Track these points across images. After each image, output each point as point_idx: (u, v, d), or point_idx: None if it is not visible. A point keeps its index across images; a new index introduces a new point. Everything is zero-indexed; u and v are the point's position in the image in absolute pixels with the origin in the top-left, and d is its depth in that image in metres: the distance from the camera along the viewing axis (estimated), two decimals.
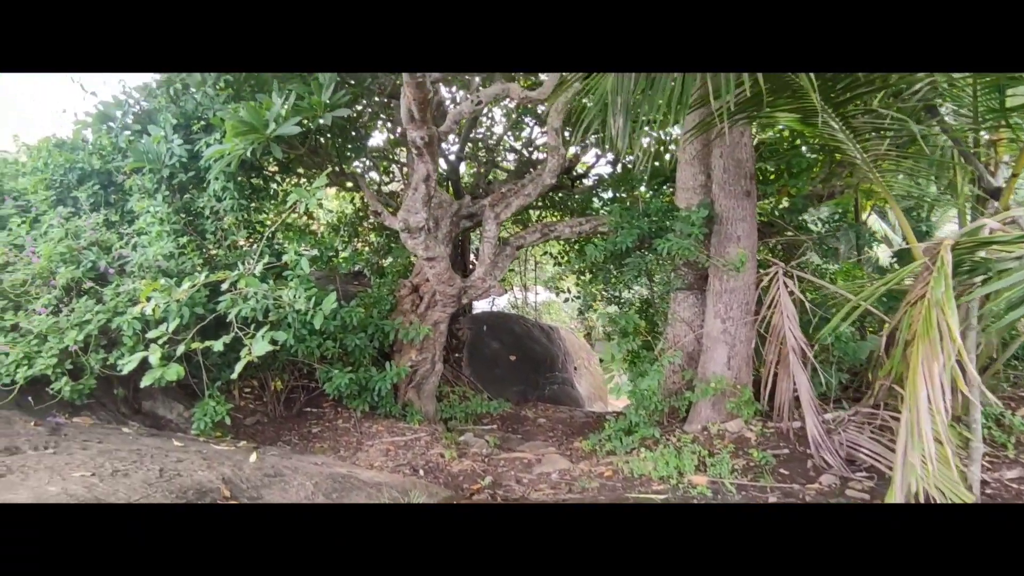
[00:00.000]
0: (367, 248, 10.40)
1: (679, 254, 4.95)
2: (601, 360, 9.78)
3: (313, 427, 6.07)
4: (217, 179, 5.47)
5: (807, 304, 4.51)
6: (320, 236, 7.70)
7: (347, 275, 10.72)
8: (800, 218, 5.78)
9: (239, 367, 3.96)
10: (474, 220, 7.32)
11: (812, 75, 3.25)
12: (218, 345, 4.05)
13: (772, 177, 5.98)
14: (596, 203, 9.67)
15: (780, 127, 6.11)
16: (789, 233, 5.58)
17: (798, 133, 6.06)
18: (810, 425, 4.10)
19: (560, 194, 10.13)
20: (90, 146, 5.87)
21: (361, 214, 11.26)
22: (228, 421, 4.87)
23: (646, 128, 3.39)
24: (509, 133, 10.48)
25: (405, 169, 9.20)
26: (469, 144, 10.00)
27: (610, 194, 9.35)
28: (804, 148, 6.07)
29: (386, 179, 10.20)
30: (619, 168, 9.14)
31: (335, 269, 7.25)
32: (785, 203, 5.86)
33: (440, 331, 6.84)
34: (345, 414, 6.35)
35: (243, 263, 4.92)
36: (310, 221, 8.44)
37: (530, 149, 10.16)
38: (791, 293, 4.37)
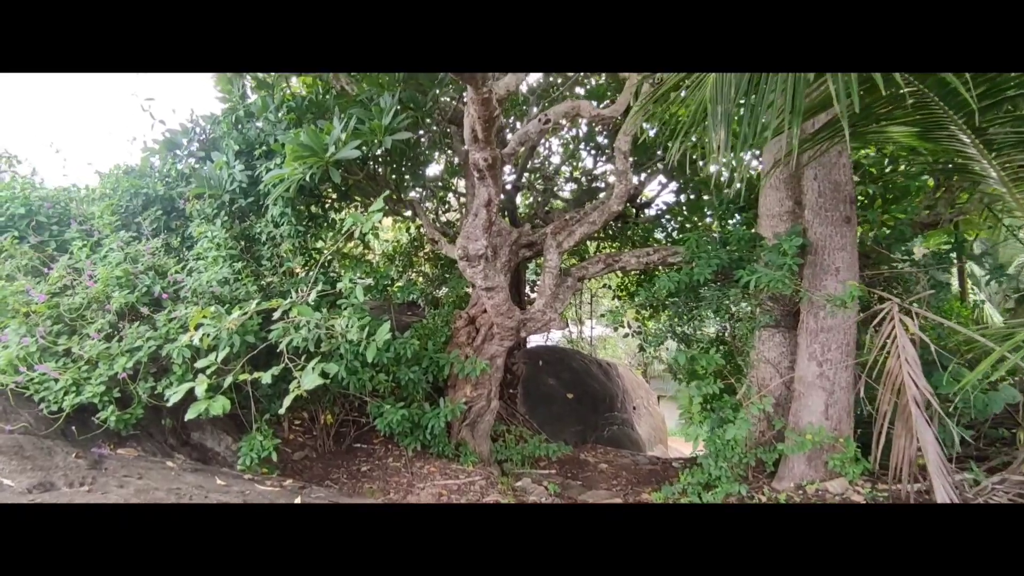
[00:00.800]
0: (422, 279, 10.23)
1: (769, 287, 4.40)
2: (660, 398, 9.14)
3: (363, 465, 5.74)
4: (275, 204, 5.35)
5: (929, 348, 3.86)
6: (375, 265, 7.54)
7: (401, 306, 10.58)
8: (903, 248, 5.12)
9: (288, 400, 3.68)
10: (533, 249, 6.97)
11: (948, 76, 2.74)
12: (267, 377, 3.78)
13: (870, 202, 5.36)
14: (659, 235, 9.20)
15: (872, 144, 5.52)
16: (894, 265, 4.93)
17: (896, 153, 5.45)
18: (940, 490, 3.42)
19: (619, 224, 9.72)
20: (156, 173, 5.90)
21: (416, 243, 11.17)
22: (275, 457, 4.59)
23: (742, 142, 2.94)
24: (568, 163, 10.22)
25: (463, 199, 9.03)
26: (526, 174, 9.76)
27: (675, 224, 8.85)
28: (903, 169, 5.44)
29: (443, 208, 10.05)
30: (683, 197, 8.65)
31: (390, 299, 7.03)
32: (885, 231, 5.21)
33: (497, 366, 6.44)
34: (396, 452, 6.00)
35: (296, 291, 4.71)
36: (366, 250, 8.32)
37: (589, 178, 9.83)
38: (910, 334, 3.74)
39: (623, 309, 5.37)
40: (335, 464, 5.72)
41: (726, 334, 6.21)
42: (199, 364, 3.85)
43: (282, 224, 5.39)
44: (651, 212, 9.04)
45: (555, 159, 10.22)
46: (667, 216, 8.67)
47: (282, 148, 5.22)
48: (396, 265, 10.86)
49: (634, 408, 11.67)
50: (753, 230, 5.30)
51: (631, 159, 6.09)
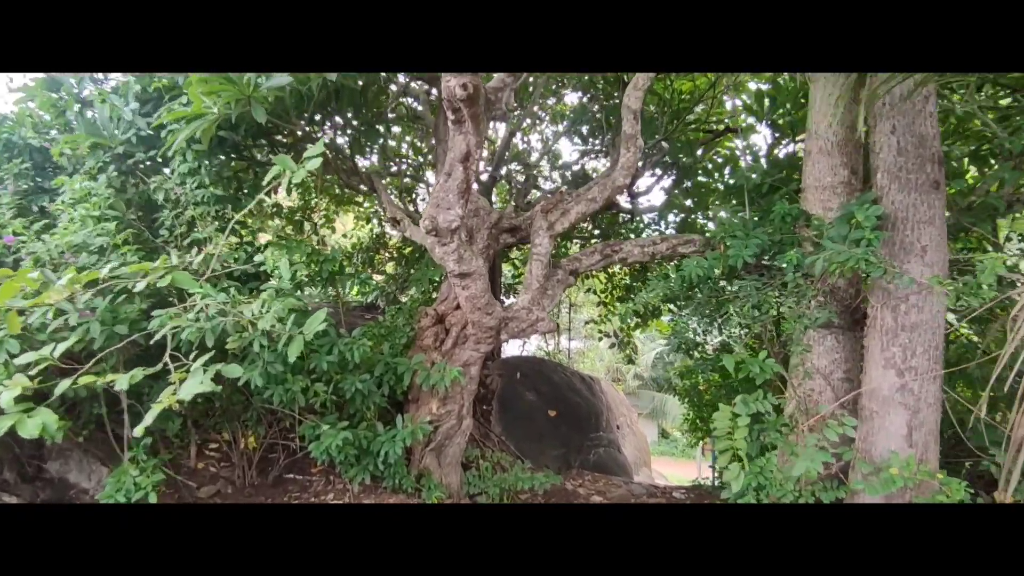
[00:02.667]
0: (384, 280, 8.92)
1: (846, 269, 3.29)
2: (685, 419, 7.97)
3: (294, 502, 4.39)
4: (182, 157, 4.04)
5: None
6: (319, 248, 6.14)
7: (360, 308, 9.22)
8: (988, 227, 4.10)
9: (150, 417, 2.36)
10: (517, 235, 5.78)
11: None
12: (123, 381, 2.46)
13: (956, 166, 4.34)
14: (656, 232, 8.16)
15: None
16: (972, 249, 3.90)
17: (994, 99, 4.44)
18: None
19: (608, 216, 8.63)
20: (29, 118, 4.52)
21: (380, 241, 9.88)
22: (154, 498, 3.22)
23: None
24: (548, 158, 9.14)
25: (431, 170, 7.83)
26: (503, 165, 8.62)
27: (675, 217, 7.80)
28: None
29: (408, 196, 8.80)
30: (688, 184, 7.61)
31: (340, 295, 5.74)
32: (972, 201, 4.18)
33: (471, 376, 5.19)
34: (340, 485, 4.66)
35: (198, 266, 3.40)
36: (312, 237, 7.00)
37: (576, 169, 8.75)
38: None
39: (623, 312, 4.17)
40: (257, 502, 4.35)
41: (745, 337, 5.10)
42: (19, 360, 2.51)
43: (191, 183, 4.08)
44: (645, 203, 7.97)
45: (535, 155, 9.13)
46: (667, 209, 7.61)
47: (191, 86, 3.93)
48: (355, 262, 9.56)
49: (617, 427, 10.51)
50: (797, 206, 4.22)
51: (639, 124, 4.98)
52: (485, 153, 9.94)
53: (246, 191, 4.75)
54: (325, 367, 4.03)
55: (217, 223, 4.12)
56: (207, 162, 4.23)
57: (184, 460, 4.48)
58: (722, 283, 4.56)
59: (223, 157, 4.45)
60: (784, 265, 3.93)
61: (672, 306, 7.40)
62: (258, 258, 3.62)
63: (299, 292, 4.49)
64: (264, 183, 3.12)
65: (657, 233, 7.69)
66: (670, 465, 22.13)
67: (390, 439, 4.11)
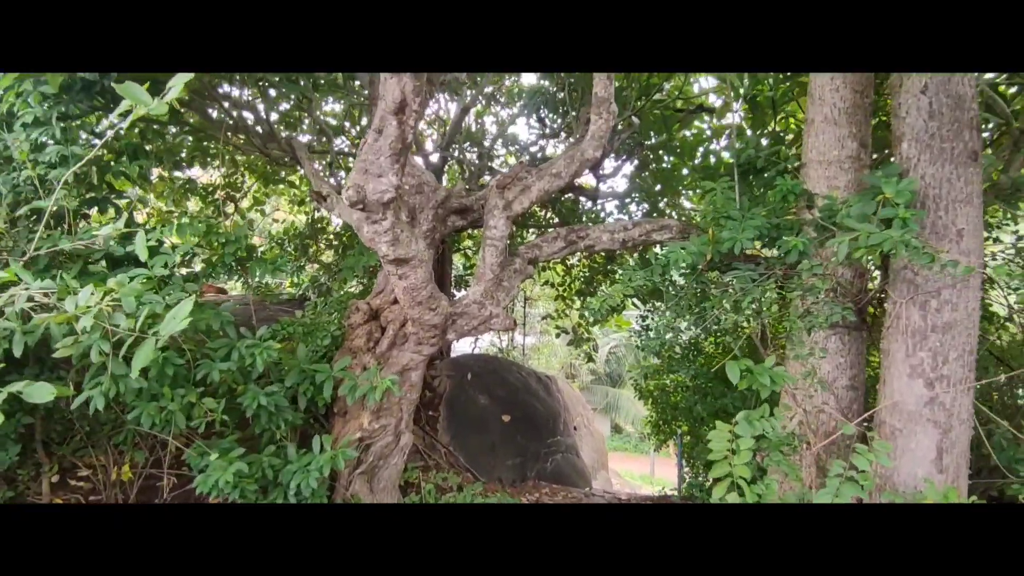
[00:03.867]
0: (318, 270, 7.94)
1: (877, 255, 2.64)
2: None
3: None
4: (26, 103, 3.04)
5: None
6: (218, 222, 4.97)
7: (291, 303, 8.18)
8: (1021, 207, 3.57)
9: None
10: (468, 218, 4.97)
11: None
12: None
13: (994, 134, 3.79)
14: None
15: None
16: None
17: None
18: None
19: (570, 201, 7.93)
20: None
21: (318, 227, 8.87)
22: None
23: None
24: (504, 141, 8.35)
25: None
26: (454, 146, 7.78)
27: (641, 205, 7.16)
28: None
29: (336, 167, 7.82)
30: (654, 166, 6.98)
31: (252, 285, 4.80)
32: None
33: (411, 383, 4.36)
34: None
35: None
36: (225, 216, 6.01)
37: (533, 151, 7.98)
38: None
39: (596, 305, 3.43)
40: None
41: (727, 336, 4.47)
42: None
43: (37, 135, 3.07)
44: (609, 189, 7.30)
45: (489, 139, 8.31)
46: (633, 194, 6.95)
47: None
48: (290, 251, 8.52)
49: (575, 428, 9.88)
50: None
51: (613, 86, 4.25)
52: (434, 136, 9.08)
53: (124, 155, 3.73)
54: (217, 377, 3.12)
55: (69, 191, 3.12)
56: (62, 110, 3.23)
57: (33, 495, 3.48)
58: (707, 274, 3.90)
59: (86, 106, 3.44)
60: (784, 253, 3.28)
61: (638, 300, 6.77)
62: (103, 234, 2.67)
63: (193, 281, 3.54)
64: (110, 120, 2.19)
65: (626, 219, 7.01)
66: (624, 461, 21.87)
67: (303, 468, 3.24)
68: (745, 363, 2.70)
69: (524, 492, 6.36)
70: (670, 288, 3.75)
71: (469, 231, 8.15)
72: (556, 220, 8.03)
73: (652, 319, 4.44)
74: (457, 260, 9.87)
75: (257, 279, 3.93)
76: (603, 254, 8.31)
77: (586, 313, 3.60)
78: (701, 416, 5.46)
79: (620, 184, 8.40)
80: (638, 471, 20.73)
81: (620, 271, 3.61)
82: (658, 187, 6.70)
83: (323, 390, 3.60)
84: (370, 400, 3.48)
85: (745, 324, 3.32)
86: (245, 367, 3.29)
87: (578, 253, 5.30)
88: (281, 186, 9.02)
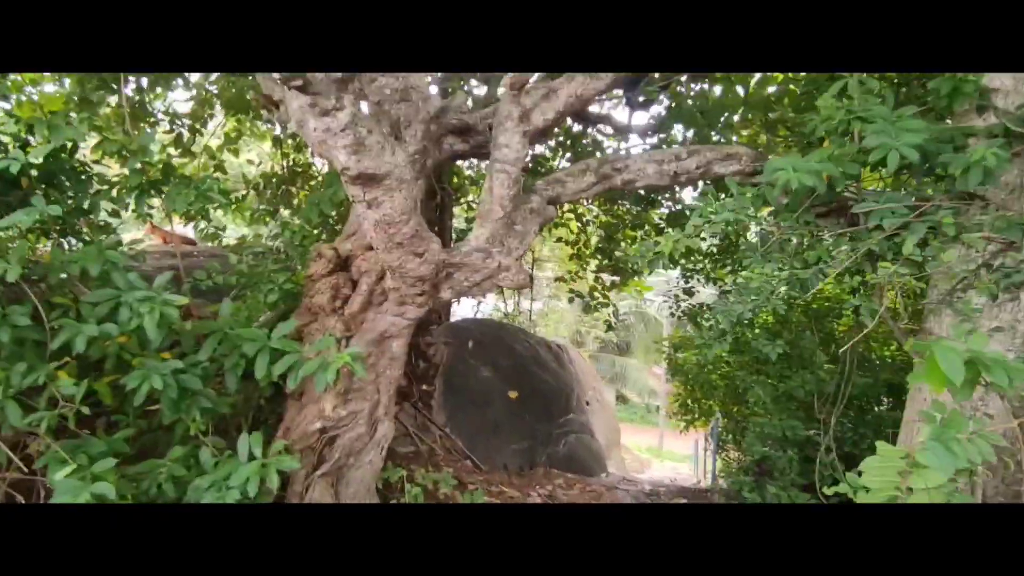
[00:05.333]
0: (292, 214, 6.80)
1: None
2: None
3: None
4: None
5: None
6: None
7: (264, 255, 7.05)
8: None
9: None
10: (471, 140, 3.80)
11: None
12: None
13: None
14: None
15: None
16: None
17: None
18: None
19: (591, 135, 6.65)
20: None
21: (298, 170, 7.67)
22: None
23: None
24: None
25: None
26: None
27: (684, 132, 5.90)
28: None
29: None
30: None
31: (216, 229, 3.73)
32: None
33: (392, 356, 3.28)
34: None
35: None
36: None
37: None
38: None
39: (666, 247, 2.26)
40: None
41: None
42: None
43: None
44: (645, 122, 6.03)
45: None
46: (673, 126, 5.69)
47: None
48: (263, 195, 7.38)
49: (587, 403, 8.88)
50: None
51: None
52: None
53: None
54: (83, 346, 2.03)
55: None
56: None
57: None
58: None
59: None
60: (950, 176, 2.14)
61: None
62: None
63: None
64: None
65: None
66: (632, 433, 21.08)
67: (220, 483, 2.17)
68: (946, 343, 1.58)
69: (534, 483, 5.36)
70: (763, 230, 2.63)
71: (473, 163, 6.94)
72: (567, 157, 6.78)
73: (731, 280, 3.31)
74: (460, 214, 8.67)
75: (181, 210, 2.80)
76: (623, 203, 7.14)
77: (639, 261, 2.47)
78: (764, 401, 4.38)
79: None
80: (645, 443, 19.95)
81: (696, 199, 2.47)
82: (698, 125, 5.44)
83: (270, 367, 2.50)
84: (320, 380, 2.38)
85: (891, 281, 2.17)
86: (134, 330, 2.19)
87: (614, 190, 4.14)
88: (259, 123, 7.80)
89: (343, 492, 3.16)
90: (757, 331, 5.64)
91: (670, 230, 2.72)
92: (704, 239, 2.57)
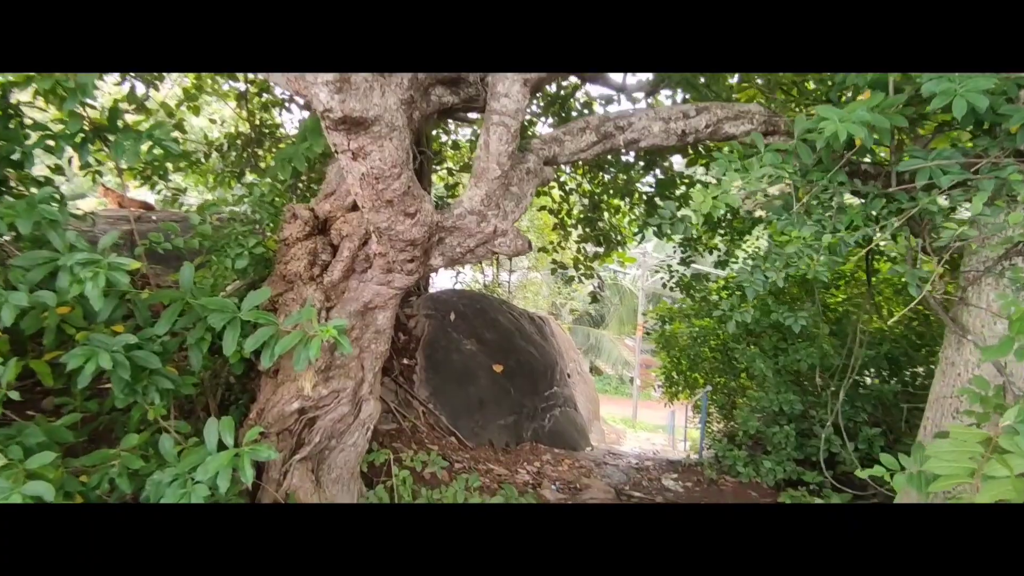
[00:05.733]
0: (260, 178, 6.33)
1: None
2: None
3: None
4: None
5: None
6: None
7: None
8: None
9: None
10: (461, 94, 3.44)
11: None
12: None
13: None
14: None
15: None
16: None
17: None
18: None
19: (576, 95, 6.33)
20: None
21: (267, 130, 7.14)
22: None
23: None
24: None
25: None
26: None
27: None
28: None
29: None
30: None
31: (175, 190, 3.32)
32: None
33: (377, 329, 2.98)
34: None
35: None
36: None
37: None
38: None
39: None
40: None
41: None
42: None
43: None
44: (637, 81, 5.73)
45: None
46: (666, 82, 5.38)
47: None
48: (227, 157, 6.87)
49: (568, 376, 8.73)
50: None
51: None
52: None
53: None
54: (9, 317, 1.69)
55: None
56: None
57: None
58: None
59: None
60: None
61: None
62: None
63: None
64: None
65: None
66: (606, 403, 21.22)
67: (184, 476, 1.86)
68: None
69: (521, 459, 5.18)
70: (787, 193, 2.38)
71: (461, 121, 6.56)
72: (550, 121, 6.45)
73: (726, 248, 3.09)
74: (438, 182, 8.27)
75: (132, 161, 2.40)
76: (610, 170, 6.87)
77: (660, 225, 2.21)
78: (765, 375, 4.23)
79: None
80: (619, 414, 20.13)
81: (719, 156, 2.20)
82: (702, 79, 5.16)
83: (236, 342, 2.16)
84: (301, 356, 2.07)
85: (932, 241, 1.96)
86: (77, 300, 1.85)
87: (616, 151, 3.86)
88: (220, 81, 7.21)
89: (325, 477, 2.89)
90: (754, 302, 5.49)
91: (656, 200, 2.46)
92: (754, 189, 2.26)
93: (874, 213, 2.25)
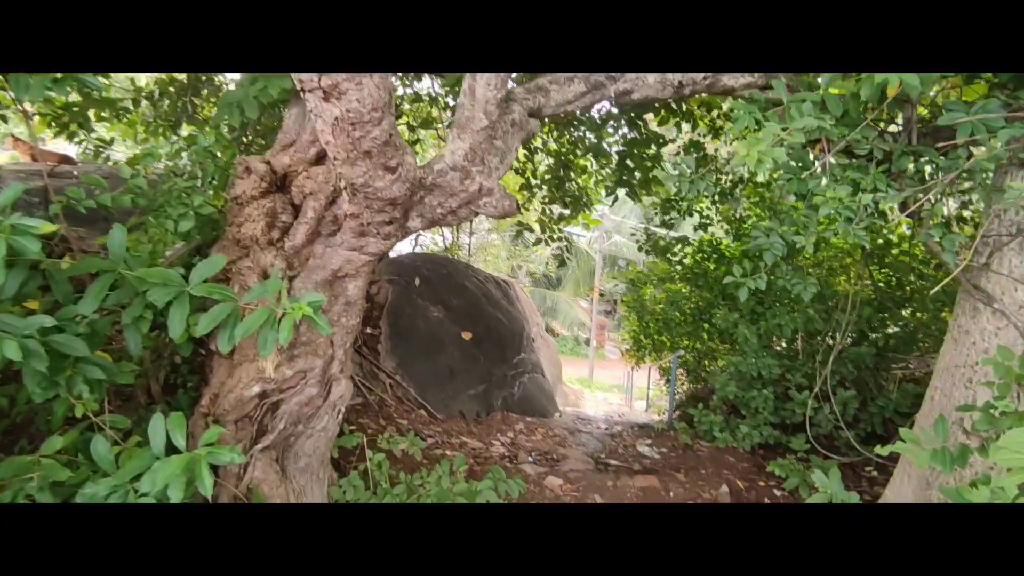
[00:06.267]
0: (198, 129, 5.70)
1: None
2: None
3: None
4: None
5: None
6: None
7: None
8: None
9: None
10: None
11: None
12: None
13: None
14: None
15: None
16: None
17: None
18: None
19: None
20: None
21: (202, 76, 6.40)
22: None
23: None
24: None
25: None
26: None
27: None
28: None
29: None
30: None
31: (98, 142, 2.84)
32: None
33: (346, 299, 2.65)
34: None
35: None
36: None
37: None
38: None
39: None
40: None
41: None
42: None
43: None
44: None
45: None
46: None
47: None
48: (159, 107, 6.14)
49: (532, 340, 8.58)
50: None
51: None
52: None
53: None
54: None
55: None
56: None
57: None
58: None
59: None
60: None
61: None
62: None
63: None
64: None
65: None
66: (563, 364, 21.48)
67: (125, 487, 1.52)
68: None
69: (494, 430, 4.99)
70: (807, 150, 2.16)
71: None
72: None
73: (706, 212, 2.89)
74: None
75: (38, 97, 1.94)
76: (579, 128, 6.56)
77: (676, 182, 1.96)
78: (748, 339, 4.13)
79: None
80: (576, 374, 20.38)
81: (734, 105, 1.95)
82: None
83: (175, 321, 1.79)
84: (268, 339, 1.74)
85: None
86: None
87: (605, 101, 3.55)
88: None
89: (291, 467, 2.58)
90: (724, 267, 5.41)
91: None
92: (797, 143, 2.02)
93: (910, 170, 2.07)
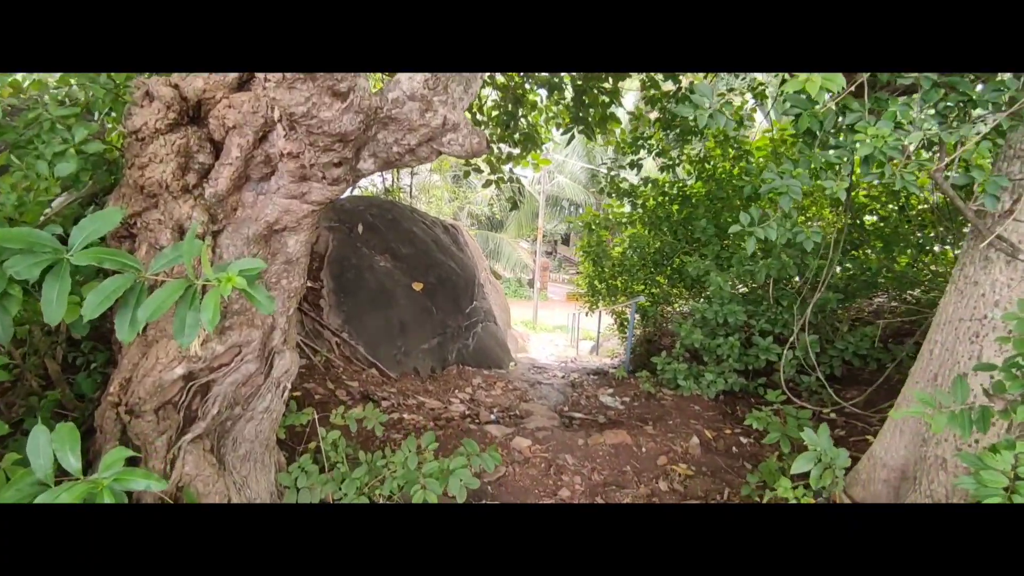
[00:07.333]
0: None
1: None
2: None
3: None
4: None
5: None
6: None
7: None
8: None
9: None
10: None
11: None
12: None
13: None
14: None
15: None
16: None
17: None
18: None
19: None
20: None
21: None
22: None
23: None
24: None
25: None
26: None
27: None
28: None
29: None
30: None
31: None
32: None
33: (286, 257, 2.21)
34: None
35: None
36: None
37: None
38: None
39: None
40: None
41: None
42: None
43: None
44: None
45: None
46: None
47: None
48: None
49: (482, 287, 8.27)
50: None
51: None
52: None
53: None
54: None
55: None
56: None
57: None
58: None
59: None
60: None
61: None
62: None
63: None
64: None
65: None
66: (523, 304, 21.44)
67: None
68: None
69: (451, 387, 4.71)
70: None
71: None
72: None
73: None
74: None
75: None
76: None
77: (697, 114, 1.63)
78: (720, 287, 3.98)
79: None
80: (521, 317, 20.42)
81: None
82: None
83: (51, 300, 1.32)
84: (187, 321, 1.33)
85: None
86: None
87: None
88: None
89: (230, 456, 2.20)
90: (687, 210, 5.22)
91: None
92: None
93: (931, 109, 1.82)
